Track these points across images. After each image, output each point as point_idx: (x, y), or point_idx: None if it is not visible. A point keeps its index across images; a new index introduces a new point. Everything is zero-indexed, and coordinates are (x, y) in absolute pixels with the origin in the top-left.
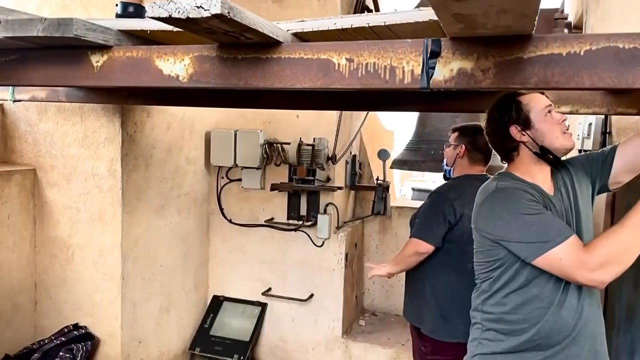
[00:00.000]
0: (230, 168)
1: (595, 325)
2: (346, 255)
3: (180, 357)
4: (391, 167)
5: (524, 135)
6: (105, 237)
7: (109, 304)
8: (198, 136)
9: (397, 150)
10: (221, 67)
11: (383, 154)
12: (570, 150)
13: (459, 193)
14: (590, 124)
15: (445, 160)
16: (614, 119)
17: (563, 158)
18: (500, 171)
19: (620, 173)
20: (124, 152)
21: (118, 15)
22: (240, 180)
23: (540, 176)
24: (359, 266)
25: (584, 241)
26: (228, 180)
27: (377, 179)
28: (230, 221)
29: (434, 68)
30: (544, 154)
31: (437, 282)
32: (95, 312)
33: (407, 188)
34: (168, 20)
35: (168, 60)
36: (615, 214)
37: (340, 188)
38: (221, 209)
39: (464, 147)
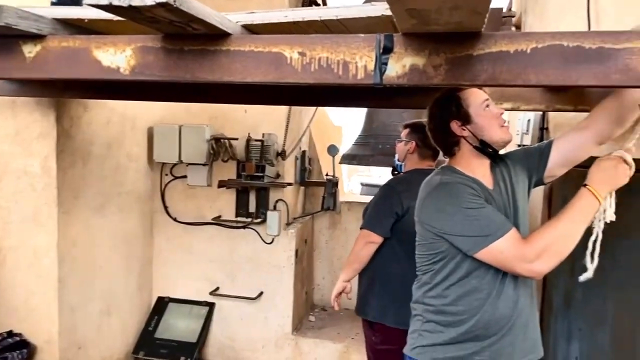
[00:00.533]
0: (174, 164)
1: (529, 314)
2: (296, 251)
3: None
4: (340, 163)
5: (464, 130)
6: (40, 239)
7: (46, 309)
8: (140, 132)
9: (346, 145)
10: (166, 59)
11: (332, 150)
12: (508, 143)
13: (407, 186)
14: (529, 120)
15: (396, 155)
16: (551, 115)
17: (502, 152)
18: (443, 165)
19: (555, 167)
20: (59, 149)
21: (53, 3)
22: (185, 177)
23: (481, 170)
24: (309, 262)
25: (521, 233)
26: (173, 178)
27: (327, 175)
28: (175, 219)
29: (386, 64)
30: (484, 148)
31: (387, 273)
32: (31, 318)
33: (355, 183)
34: (108, 8)
35: (108, 50)
36: (552, 208)
37: (290, 184)
38: (165, 207)
39: (414, 143)
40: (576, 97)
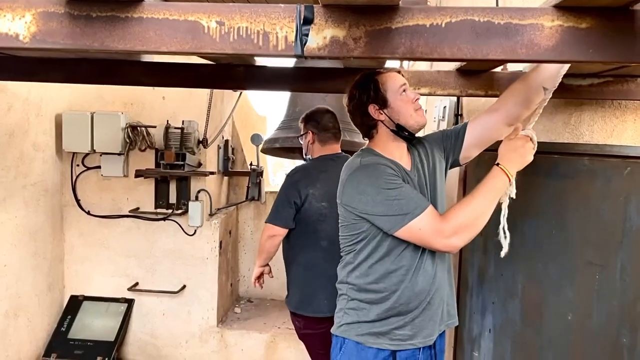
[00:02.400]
0: (86, 154)
1: (445, 287)
2: (220, 242)
3: None
4: (263, 148)
5: (382, 114)
6: None
7: None
8: (47, 119)
9: (270, 134)
10: (72, 25)
11: (256, 139)
12: (423, 126)
13: (304, 174)
14: (444, 107)
15: (303, 151)
16: (465, 102)
17: (421, 135)
18: (363, 147)
19: (470, 147)
20: None
21: None
22: (99, 167)
23: (398, 152)
24: (234, 253)
25: (439, 212)
26: (85, 168)
27: (251, 164)
28: (88, 213)
29: (307, 35)
30: (400, 132)
31: (297, 262)
32: None
33: (280, 177)
34: None
35: (5, 16)
36: (466, 189)
37: (212, 173)
38: (77, 200)
39: (311, 132)
40: (487, 83)
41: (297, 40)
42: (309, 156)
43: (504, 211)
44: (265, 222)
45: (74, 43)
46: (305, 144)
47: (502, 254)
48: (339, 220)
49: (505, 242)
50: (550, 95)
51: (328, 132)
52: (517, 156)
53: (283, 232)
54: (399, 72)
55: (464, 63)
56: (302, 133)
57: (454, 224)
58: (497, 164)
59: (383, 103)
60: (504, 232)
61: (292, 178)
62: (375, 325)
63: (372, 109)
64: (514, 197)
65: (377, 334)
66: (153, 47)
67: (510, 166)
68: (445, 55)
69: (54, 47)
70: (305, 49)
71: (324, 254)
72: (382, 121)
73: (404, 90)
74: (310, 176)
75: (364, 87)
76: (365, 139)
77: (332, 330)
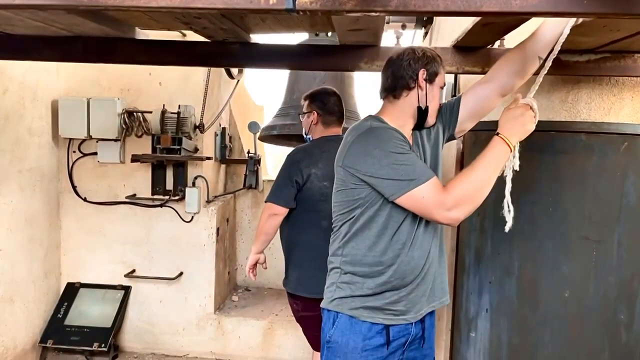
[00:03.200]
0: (83, 140)
1: (437, 265)
2: (217, 229)
3: (29, 351)
4: (261, 136)
5: (423, 84)
6: None
7: None
8: (43, 104)
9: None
10: None
11: (253, 127)
12: (430, 126)
13: (306, 154)
14: None
15: (303, 129)
16: (462, 81)
17: None
18: (371, 114)
19: (464, 120)
20: None
21: None
22: (95, 153)
23: (407, 128)
24: (231, 242)
25: None
26: (81, 154)
27: (249, 152)
28: (85, 200)
29: None
30: (421, 114)
31: (297, 243)
32: None
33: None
34: None
35: None
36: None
37: (209, 158)
38: (74, 187)
39: (315, 113)
40: (483, 60)
41: None
42: (309, 136)
43: (508, 185)
44: (266, 202)
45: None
46: (307, 123)
47: (507, 228)
48: (335, 186)
49: (509, 217)
50: (550, 64)
51: (333, 115)
52: (518, 124)
53: (284, 211)
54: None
55: (461, 38)
56: (305, 111)
57: (455, 196)
58: (497, 134)
59: (431, 79)
60: (509, 207)
61: (294, 157)
62: (369, 299)
63: (422, 74)
64: (518, 169)
65: (371, 308)
66: (143, 2)
67: (511, 135)
68: (438, 8)
69: (42, 3)
70: (297, 3)
71: (324, 234)
72: (419, 88)
73: (442, 88)
74: (313, 156)
75: (430, 56)
76: (385, 98)
77: (323, 304)
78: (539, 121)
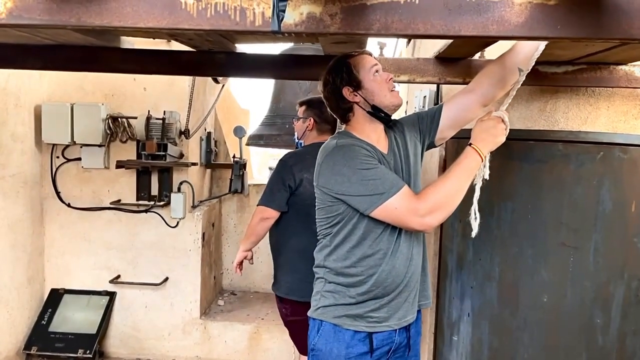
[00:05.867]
0: (67, 146)
1: (421, 272)
2: (203, 234)
3: (13, 358)
4: (247, 144)
5: (356, 95)
6: None
7: None
8: (26, 110)
9: (253, 129)
10: (48, 1)
11: (239, 131)
12: (398, 107)
13: (299, 159)
14: (425, 97)
15: (296, 134)
16: (444, 91)
17: (397, 118)
18: (339, 130)
19: (445, 129)
20: None
21: None
22: (79, 159)
23: (375, 135)
24: (217, 246)
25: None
26: (65, 160)
27: (234, 157)
28: (69, 205)
29: (284, 11)
30: (376, 113)
31: (288, 247)
32: None
33: (264, 175)
34: None
35: None
36: None
37: (194, 164)
38: (57, 192)
39: (312, 119)
40: (465, 70)
41: (274, 16)
42: (300, 141)
43: (477, 193)
44: (258, 205)
45: (50, 19)
46: (301, 128)
47: (473, 234)
48: (316, 203)
49: (475, 224)
50: (524, 78)
51: (329, 124)
52: (489, 136)
53: (275, 215)
54: (369, 54)
55: (443, 50)
56: (301, 117)
57: (428, 203)
58: (470, 144)
59: (357, 85)
60: (475, 214)
61: (287, 162)
62: (352, 308)
63: (347, 92)
64: (488, 178)
65: (354, 317)
66: (130, 22)
67: (483, 146)
68: (419, 32)
69: (30, 23)
70: (282, 25)
71: (315, 238)
72: (357, 103)
73: (377, 71)
74: (305, 161)
75: (337, 71)
76: (342, 124)
77: (309, 313)
78: (519, 130)
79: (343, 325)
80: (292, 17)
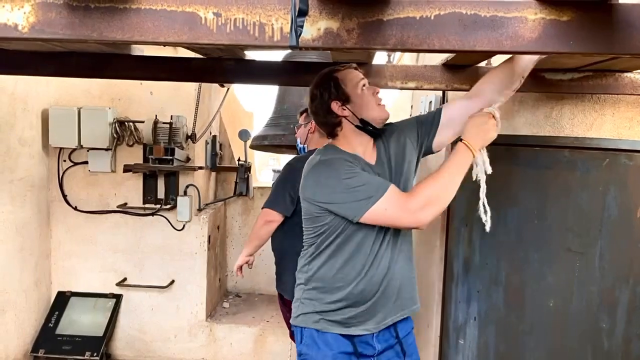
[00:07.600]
0: (74, 150)
1: (404, 277)
2: (209, 237)
3: None
4: (252, 144)
5: (345, 109)
6: None
7: None
8: (33, 114)
9: (257, 130)
10: (70, 16)
11: (244, 135)
12: (385, 120)
13: (305, 163)
14: (430, 102)
15: (298, 140)
16: (450, 96)
17: (395, 122)
18: (325, 144)
19: (443, 132)
20: None
21: None
22: (86, 163)
23: (361, 148)
24: (222, 248)
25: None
26: (72, 164)
27: (239, 160)
28: (75, 208)
29: (302, 26)
30: (364, 126)
31: (294, 251)
32: None
33: (265, 176)
34: None
35: (4, 6)
36: None
37: (201, 168)
38: (64, 196)
39: (313, 122)
40: (471, 77)
41: (292, 31)
42: (302, 146)
43: (483, 187)
44: (263, 208)
45: (72, 33)
46: (304, 133)
47: (487, 228)
48: (302, 215)
49: (486, 217)
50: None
51: None
52: (481, 132)
53: (280, 218)
54: (355, 68)
55: (450, 58)
56: (303, 123)
57: (420, 198)
58: (461, 140)
59: (345, 99)
60: (484, 208)
61: (296, 166)
62: (329, 314)
63: (335, 106)
64: (490, 172)
65: (332, 322)
66: (151, 37)
67: (474, 142)
68: (434, 47)
69: (52, 37)
70: (300, 40)
71: None
72: (345, 117)
73: (364, 85)
74: None
75: (325, 86)
76: (330, 139)
77: (291, 321)
78: (525, 136)
79: (323, 329)
80: (310, 32)
